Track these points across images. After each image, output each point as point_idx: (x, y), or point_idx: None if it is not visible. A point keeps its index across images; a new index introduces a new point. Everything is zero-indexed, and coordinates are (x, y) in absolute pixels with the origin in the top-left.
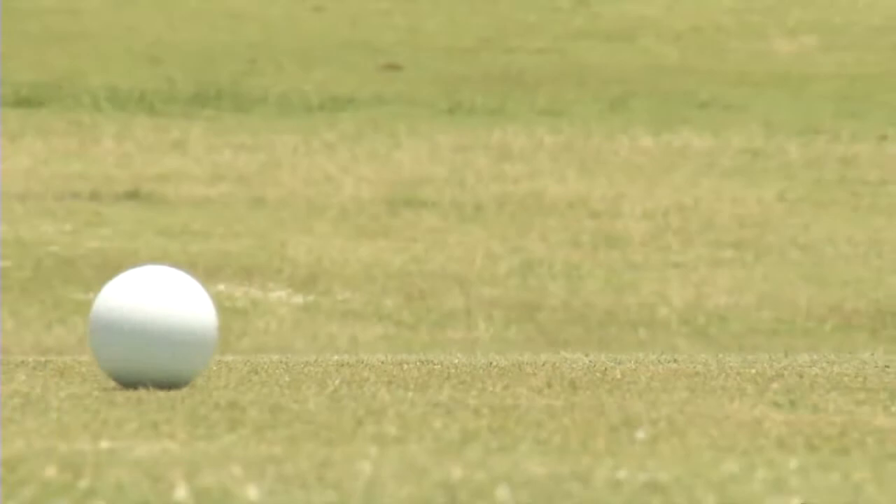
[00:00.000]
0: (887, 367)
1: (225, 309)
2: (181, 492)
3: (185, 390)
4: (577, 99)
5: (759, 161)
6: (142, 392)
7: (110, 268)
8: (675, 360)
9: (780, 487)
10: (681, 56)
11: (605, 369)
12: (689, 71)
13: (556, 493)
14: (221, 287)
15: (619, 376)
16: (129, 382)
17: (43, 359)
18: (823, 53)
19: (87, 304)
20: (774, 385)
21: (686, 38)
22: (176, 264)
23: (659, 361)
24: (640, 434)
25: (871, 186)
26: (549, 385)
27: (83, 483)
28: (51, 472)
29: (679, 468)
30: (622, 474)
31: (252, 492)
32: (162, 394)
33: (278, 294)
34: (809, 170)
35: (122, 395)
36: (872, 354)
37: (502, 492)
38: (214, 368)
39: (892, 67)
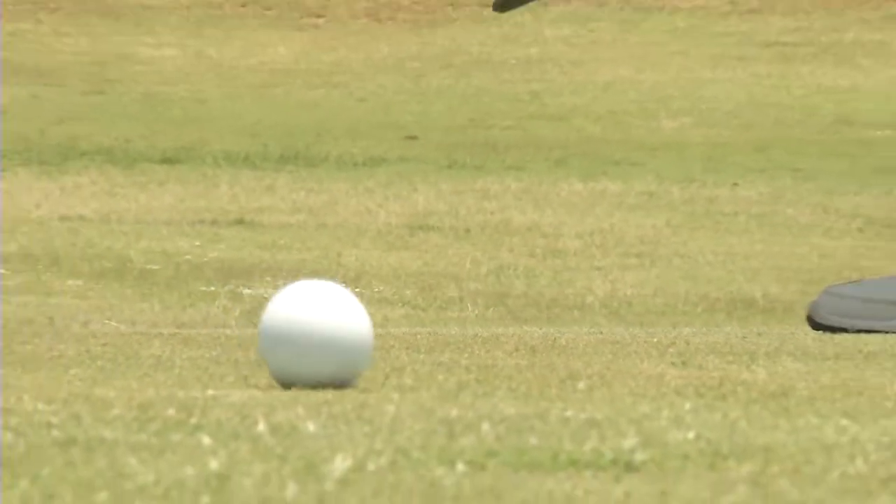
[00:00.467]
0: (744, 337)
1: None
2: (262, 426)
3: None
4: (533, 159)
5: (654, 200)
6: (238, 355)
7: (225, 270)
8: (601, 332)
9: (679, 423)
10: (602, 131)
11: (555, 339)
12: (607, 141)
13: (523, 427)
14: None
15: (563, 343)
16: (296, 384)
17: (175, 332)
18: (695, 129)
19: (212, 295)
20: (670, 349)
21: (605, 118)
22: (268, 269)
23: (590, 333)
24: (581, 385)
25: (728, 217)
26: (517, 350)
27: (193, 420)
28: (171, 412)
29: (608, 409)
30: (569, 413)
31: (311, 426)
32: (253, 352)
33: None
34: (686, 206)
35: (224, 357)
36: (731, 329)
37: (485, 426)
38: None
39: (740, 139)
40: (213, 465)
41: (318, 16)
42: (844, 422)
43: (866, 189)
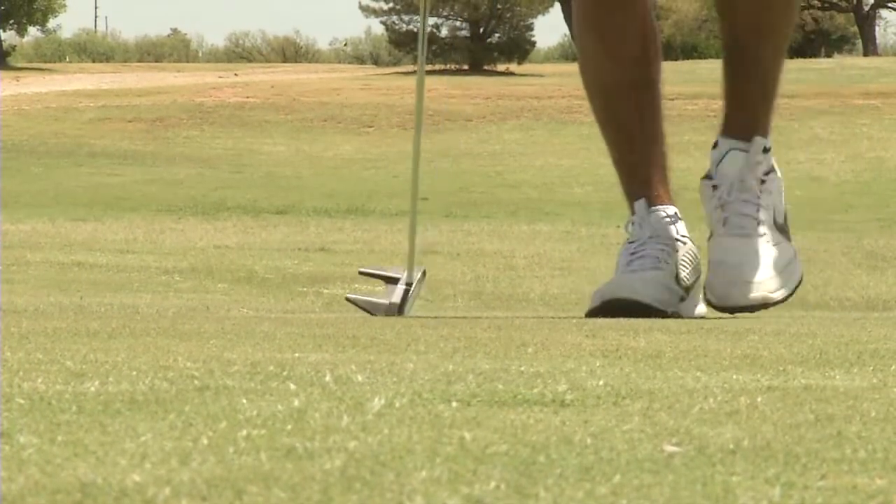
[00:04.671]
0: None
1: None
2: (328, 377)
3: (331, 329)
4: (497, 211)
5: (569, 236)
6: (316, 331)
7: (312, 278)
8: (541, 316)
9: (593, 375)
10: (538, 194)
11: (512, 320)
12: (542, 200)
13: (494, 378)
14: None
15: (518, 323)
16: None
17: (279, 315)
18: (594, 193)
19: (304, 293)
20: (584, 327)
21: (540, 187)
22: (339, 277)
23: (534, 317)
24: (529, 349)
25: (615, 245)
26: (489, 327)
27: (285, 373)
28: (271, 367)
29: (547, 365)
30: (523, 368)
31: (359, 377)
32: (325, 329)
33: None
34: (589, 239)
35: (308, 332)
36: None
37: (469, 377)
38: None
39: (621, 198)
40: (296, 403)
41: (369, 126)
42: (698, 374)
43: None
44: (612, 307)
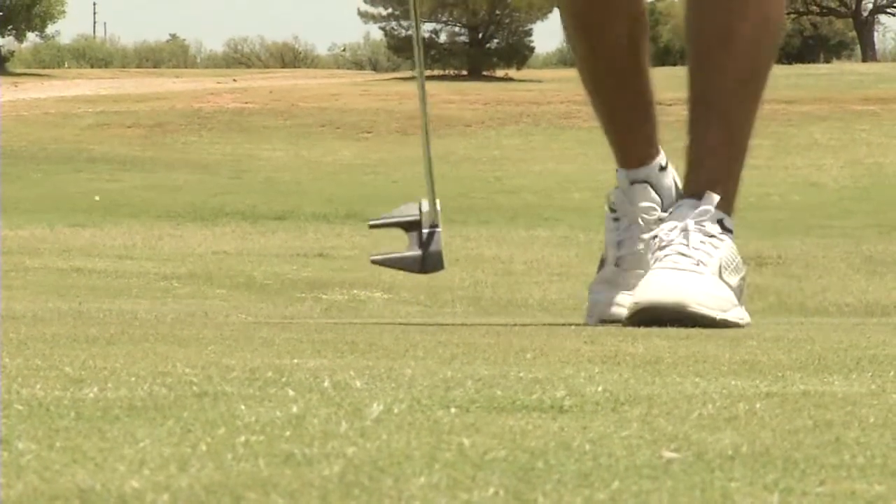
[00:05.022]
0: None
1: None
2: (326, 383)
3: (330, 334)
4: (496, 217)
5: (568, 241)
6: (315, 336)
7: (311, 283)
8: (539, 322)
9: (591, 380)
10: (537, 199)
11: (511, 326)
12: (541, 206)
13: (492, 383)
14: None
15: (516, 329)
16: None
17: (278, 321)
18: (592, 199)
19: (302, 299)
20: (582, 333)
21: (539, 192)
22: (337, 283)
23: (532, 322)
24: (528, 355)
25: None
26: (488, 333)
27: (283, 379)
28: (269, 373)
29: (546, 371)
30: (521, 374)
31: (358, 383)
32: (324, 335)
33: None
34: (587, 245)
35: (306, 338)
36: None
37: (468, 382)
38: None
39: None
40: (294, 409)
41: (368, 131)
42: (697, 379)
43: None
44: None
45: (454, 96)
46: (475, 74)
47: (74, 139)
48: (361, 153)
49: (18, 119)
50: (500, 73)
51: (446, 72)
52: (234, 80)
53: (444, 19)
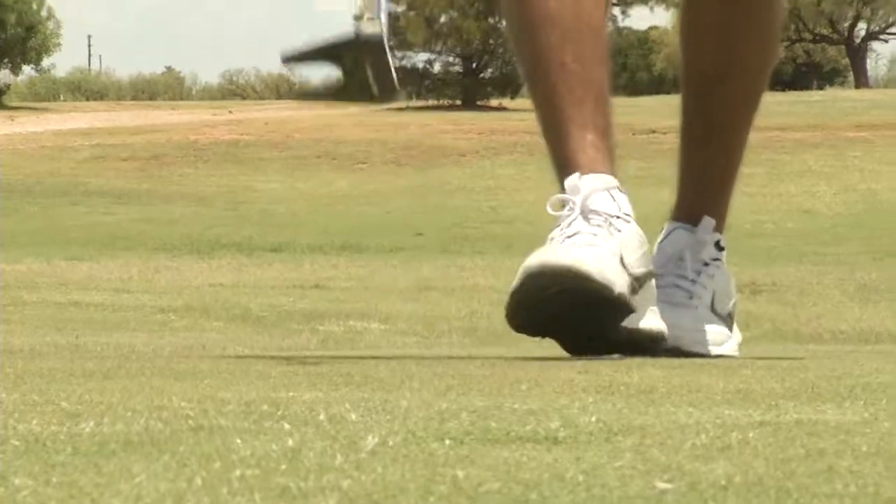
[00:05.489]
0: (621, 357)
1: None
2: (322, 416)
3: (325, 367)
4: (491, 247)
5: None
6: (311, 369)
7: (307, 315)
8: (532, 353)
9: (585, 411)
10: (532, 229)
11: (505, 357)
12: (535, 236)
13: (487, 415)
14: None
15: (510, 360)
16: None
17: (274, 355)
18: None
19: (299, 331)
20: (576, 363)
21: (533, 222)
22: (334, 314)
23: (526, 354)
24: (523, 386)
25: None
26: (483, 364)
27: (279, 412)
28: (265, 407)
29: (540, 402)
30: (516, 405)
31: (353, 415)
32: (319, 367)
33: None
34: None
35: (302, 370)
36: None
37: (463, 414)
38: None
39: None
40: (290, 442)
41: (363, 162)
42: (690, 409)
43: None
44: None
45: (448, 126)
46: (469, 104)
47: (71, 172)
48: (356, 184)
49: (15, 153)
50: (494, 102)
51: (440, 102)
52: (230, 112)
53: (437, 49)
